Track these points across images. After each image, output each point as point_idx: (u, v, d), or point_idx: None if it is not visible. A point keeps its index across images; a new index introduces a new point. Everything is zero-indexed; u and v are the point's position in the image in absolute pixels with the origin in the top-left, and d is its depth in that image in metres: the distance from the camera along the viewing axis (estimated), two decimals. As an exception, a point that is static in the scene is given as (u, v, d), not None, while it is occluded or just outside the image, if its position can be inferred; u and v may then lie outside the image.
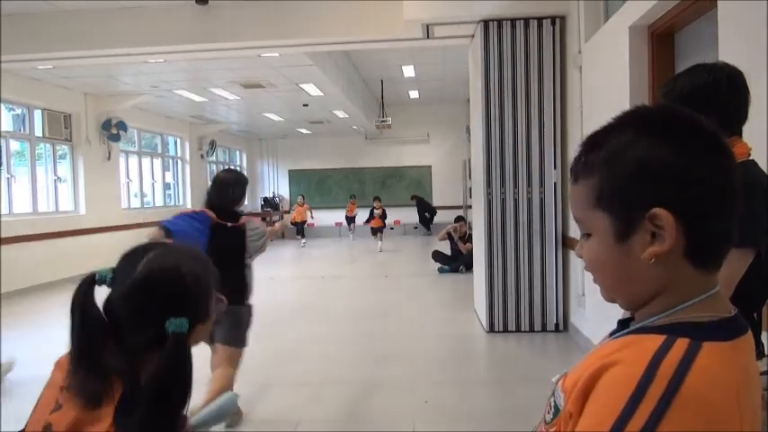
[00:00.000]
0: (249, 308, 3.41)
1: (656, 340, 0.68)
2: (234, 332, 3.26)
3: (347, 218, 16.14)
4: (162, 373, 1.03)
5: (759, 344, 1.51)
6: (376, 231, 14.01)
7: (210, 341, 3.27)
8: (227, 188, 3.48)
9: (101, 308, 1.11)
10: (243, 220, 3.44)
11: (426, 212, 16.60)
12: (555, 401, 0.78)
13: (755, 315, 1.53)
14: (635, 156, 0.71)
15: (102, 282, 1.12)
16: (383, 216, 14.25)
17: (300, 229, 15.10)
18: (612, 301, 0.80)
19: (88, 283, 1.12)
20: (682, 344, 0.66)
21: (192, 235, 3.22)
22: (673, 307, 0.72)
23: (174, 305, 1.08)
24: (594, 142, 0.76)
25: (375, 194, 16.93)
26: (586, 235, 0.78)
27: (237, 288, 3.30)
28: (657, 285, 0.72)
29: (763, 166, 1.57)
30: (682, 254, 0.70)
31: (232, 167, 13.42)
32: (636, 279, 0.73)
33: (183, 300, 1.10)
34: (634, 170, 0.71)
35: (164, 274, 1.10)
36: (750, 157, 1.52)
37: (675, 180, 0.70)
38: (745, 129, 1.59)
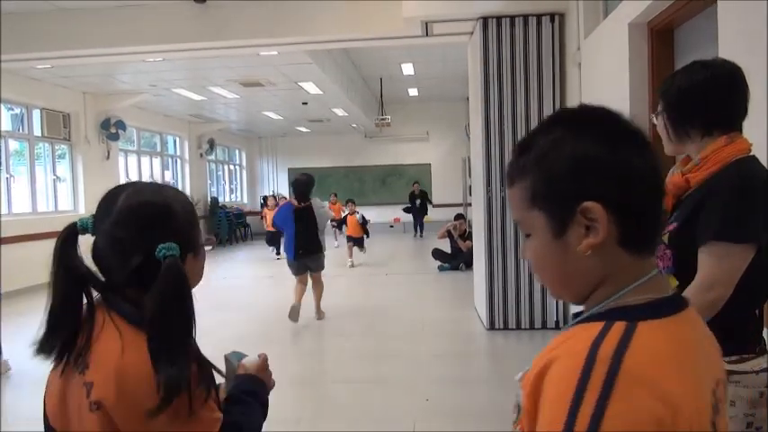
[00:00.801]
0: (323, 254, 6.32)
1: (595, 328, 0.70)
2: (320, 264, 6.30)
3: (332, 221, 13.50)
4: (161, 299, 1.00)
5: (761, 340, 1.50)
6: (353, 241, 10.90)
7: (308, 270, 6.24)
8: (302, 185, 6.21)
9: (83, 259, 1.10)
10: (311, 201, 6.22)
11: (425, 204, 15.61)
12: (517, 400, 0.80)
13: (757, 311, 1.52)
14: (563, 154, 0.75)
15: (84, 229, 1.10)
16: (363, 222, 11.17)
17: (338, 224, 12.73)
18: (560, 298, 0.82)
19: (67, 234, 1.10)
20: (618, 327, 0.69)
21: (286, 215, 6.23)
22: (613, 295, 0.75)
23: (160, 232, 1.05)
24: (526, 145, 0.80)
25: (375, 192, 16.95)
26: (527, 236, 0.81)
27: (317, 243, 6.19)
28: (597, 276, 0.75)
29: (763, 161, 1.56)
30: (616, 243, 0.73)
31: (305, 172, 15.67)
32: (576, 273, 0.76)
33: (167, 226, 1.07)
34: (564, 167, 0.74)
35: (144, 202, 1.08)
36: (750, 153, 1.52)
37: (603, 174, 0.73)
38: (745, 125, 1.59)
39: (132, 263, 1.04)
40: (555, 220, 0.75)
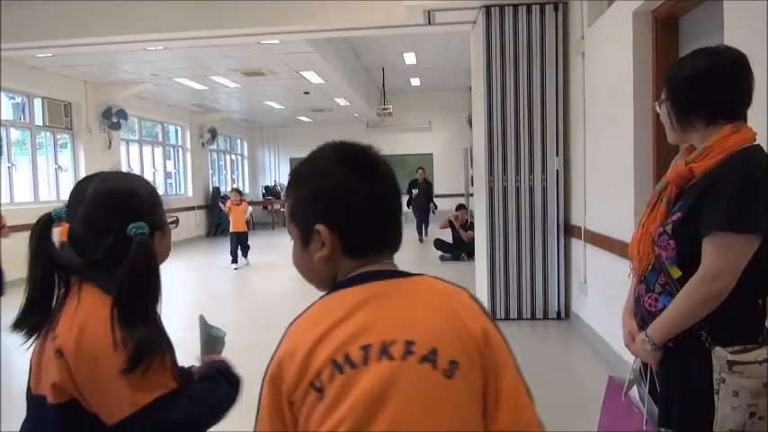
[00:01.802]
0: None
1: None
2: None
3: None
4: (132, 270, 1.14)
5: (764, 331, 1.50)
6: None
7: None
8: None
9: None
10: None
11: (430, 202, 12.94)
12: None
13: (760, 302, 1.51)
14: (303, 182, 0.98)
15: (59, 218, 1.23)
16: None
17: None
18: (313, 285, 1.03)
19: (43, 223, 1.22)
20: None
21: None
22: None
23: (129, 213, 1.19)
24: (292, 170, 1.02)
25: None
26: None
27: None
28: (330, 276, 0.98)
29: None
30: (341, 253, 0.94)
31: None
32: (317, 273, 0.99)
33: (134, 208, 1.21)
34: (304, 194, 0.97)
35: (113, 189, 1.22)
36: (755, 142, 1.50)
37: (328, 202, 0.94)
38: (748, 113, 1.58)
39: (107, 242, 1.17)
40: (302, 234, 0.97)
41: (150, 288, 1.17)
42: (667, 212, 1.57)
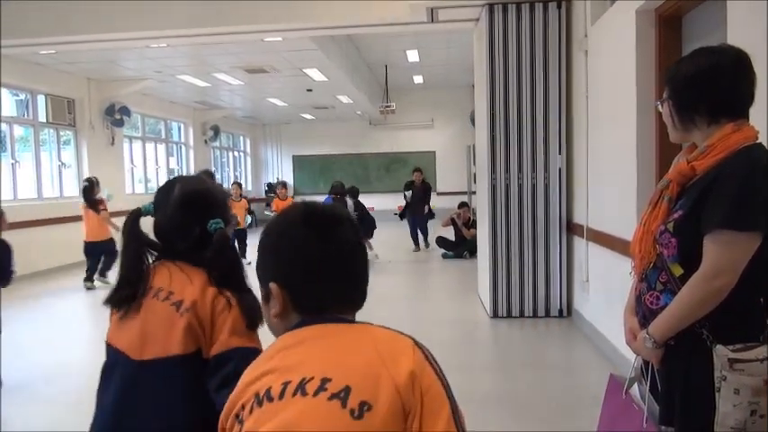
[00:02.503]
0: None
1: None
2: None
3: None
4: (219, 251, 1.46)
5: (765, 328, 1.50)
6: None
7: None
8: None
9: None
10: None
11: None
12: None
13: (762, 300, 1.52)
14: (264, 240, 1.04)
15: (146, 213, 1.54)
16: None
17: None
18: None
19: (134, 215, 1.53)
20: None
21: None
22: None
23: (209, 212, 1.51)
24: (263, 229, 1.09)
25: (379, 180, 16.86)
26: None
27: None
28: (285, 328, 1.00)
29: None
30: (292, 309, 0.99)
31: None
32: (275, 329, 1.03)
33: (213, 207, 1.53)
34: (260, 255, 1.04)
35: (196, 192, 1.54)
36: (757, 141, 1.50)
37: (280, 260, 1.00)
38: (751, 111, 1.58)
39: (193, 233, 1.49)
40: (263, 291, 1.03)
41: (236, 265, 1.49)
42: (669, 211, 1.57)
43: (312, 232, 0.99)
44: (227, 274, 1.45)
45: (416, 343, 0.97)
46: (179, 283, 1.44)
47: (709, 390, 1.45)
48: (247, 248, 8.89)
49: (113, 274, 1.60)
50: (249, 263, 8.82)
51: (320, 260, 0.98)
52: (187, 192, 1.51)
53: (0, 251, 4.35)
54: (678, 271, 1.52)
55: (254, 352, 1.32)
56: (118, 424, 1.40)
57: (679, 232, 1.51)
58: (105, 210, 7.60)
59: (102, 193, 7.28)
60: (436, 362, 0.97)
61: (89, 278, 7.72)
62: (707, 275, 1.43)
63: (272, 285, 0.99)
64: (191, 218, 1.49)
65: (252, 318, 1.41)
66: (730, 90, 1.51)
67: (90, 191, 7.64)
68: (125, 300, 1.45)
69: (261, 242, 1.05)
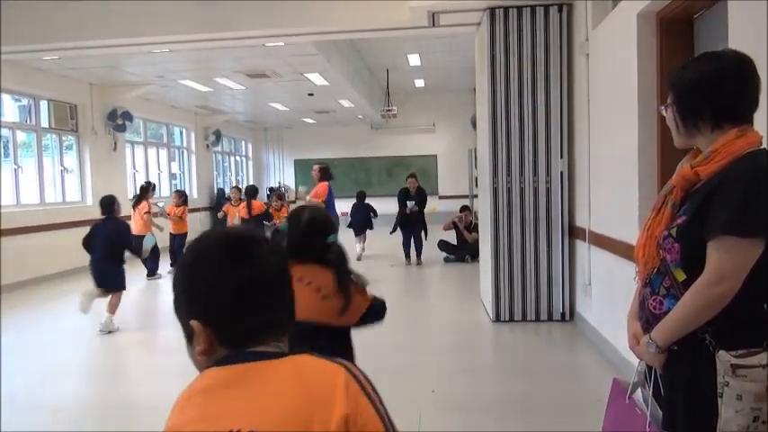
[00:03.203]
0: None
1: None
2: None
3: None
4: (339, 257, 2.14)
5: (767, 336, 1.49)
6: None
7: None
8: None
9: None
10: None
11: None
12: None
13: (765, 305, 1.51)
14: (179, 279, 0.98)
15: (283, 230, 2.20)
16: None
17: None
18: None
19: (274, 231, 2.39)
20: None
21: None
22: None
23: (328, 229, 2.19)
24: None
25: (381, 184, 16.83)
26: None
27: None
28: (211, 362, 0.95)
29: None
30: (218, 345, 0.94)
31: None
32: (201, 362, 0.96)
33: (330, 225, 2.22)
34: (176, 292, 0.98)
35: (319, 216, 2.24)
36: (761, 146, 1.50)
37: (196, 300, 0.94)
38: (756, 116, 1.58)
39: (318, 244, 2.14)
40: (185, 331, 0.97)
41: (347, 265, 2.16)
42: (673, 216, 1.57)
43: (228, 259, 0.94)
44: (345, 270, 2.13)
45: (349, 371, 0.92)
46: (314, 275, 2.07)
47: (711, 395, 1.44)
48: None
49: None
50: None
51: (242, 289, 0.93)
52: (313, 217, 2.21)
53: None
54: (681, 276, 1.52)
55: (374, 299, 2.24)
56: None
57: (682, 237, 1.51)
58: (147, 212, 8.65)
59: (156, 207, 7.61)
60: (371, 386, 0.93)
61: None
62: (710, 281, 1.43)
63: (194, 323, 0.93)
64: (315, 234, 2.16)
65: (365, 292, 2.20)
66: (734, 95, 1.51)
67: (145, 191, 8.84)
68: None
69: (175, 280, 0.98)
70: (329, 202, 7.65)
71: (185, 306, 0.96)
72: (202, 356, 0.94)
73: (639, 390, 1.75)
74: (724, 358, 1.43)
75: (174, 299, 0.98)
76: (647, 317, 1.63)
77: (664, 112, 1.65)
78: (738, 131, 1.49)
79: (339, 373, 0.91)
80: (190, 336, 0.96)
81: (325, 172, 8.11)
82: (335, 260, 2.12)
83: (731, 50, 1.56)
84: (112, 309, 5.69)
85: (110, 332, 5.57)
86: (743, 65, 1.51)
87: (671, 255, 1.53)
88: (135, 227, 8.32)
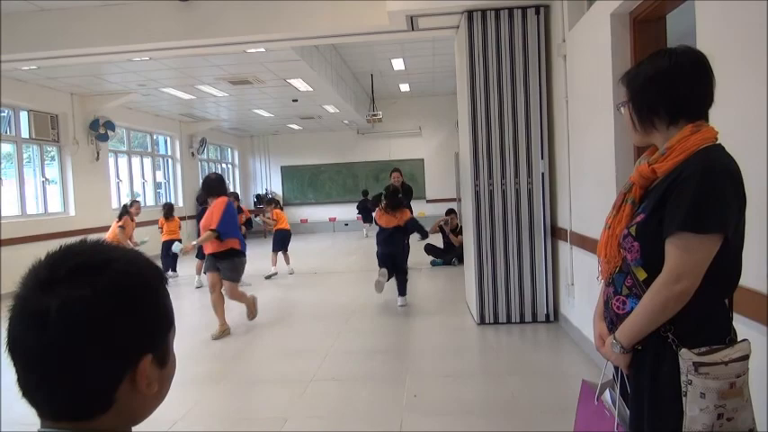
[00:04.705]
0: None
1: None
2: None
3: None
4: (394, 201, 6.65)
5: (731, 330, 1.49)
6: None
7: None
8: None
9: None
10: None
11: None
12: None
13: (726, 302, 1.51)
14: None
15: (365, 194, 3.30)
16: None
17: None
18: None
19: (364, 196, 9.73)
20: None
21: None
22: None
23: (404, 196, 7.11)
24: None
25: (369, 188, 16.81)
26: None
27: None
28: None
29: (738, 147, 1.53)
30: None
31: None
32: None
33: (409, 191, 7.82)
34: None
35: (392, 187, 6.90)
36: (717, 142, 1.49)
37: (142, 330, 0.81)
38: (718, 112, 1.57)
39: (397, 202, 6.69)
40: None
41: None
42: (632, 214, 1.57)
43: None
44: (394, 203, 6.22)
45: None
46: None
47: (676, 394, 1.43)
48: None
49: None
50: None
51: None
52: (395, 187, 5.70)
53: None
54: (642, 275, 1.51)
55: (410, 219, 6.44)
56: (387, 251, 6.62)
57: (641, 236, 1.50)
58: (123, 225, 8.69)
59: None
60: None
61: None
62: (668, 280, 1.42)
63: (144, 358, 0.82)
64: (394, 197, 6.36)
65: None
66: (689, 91, 1.51)
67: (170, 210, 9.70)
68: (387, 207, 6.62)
69: None
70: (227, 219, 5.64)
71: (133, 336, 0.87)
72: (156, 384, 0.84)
73: (608, 390, 1.74)
74: (686, 356, 1.41)
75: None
76: (611, 317, 1.62)
77: (620, 111, 1.64)
78: (693, 127, 1.48)
79: None
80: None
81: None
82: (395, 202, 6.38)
83: (686, 47, 1.55)
84: None
85: None
86: (697, 61, 1.50)
87: (631, 254, 1.52)
88: (110, 235, 8.53)
